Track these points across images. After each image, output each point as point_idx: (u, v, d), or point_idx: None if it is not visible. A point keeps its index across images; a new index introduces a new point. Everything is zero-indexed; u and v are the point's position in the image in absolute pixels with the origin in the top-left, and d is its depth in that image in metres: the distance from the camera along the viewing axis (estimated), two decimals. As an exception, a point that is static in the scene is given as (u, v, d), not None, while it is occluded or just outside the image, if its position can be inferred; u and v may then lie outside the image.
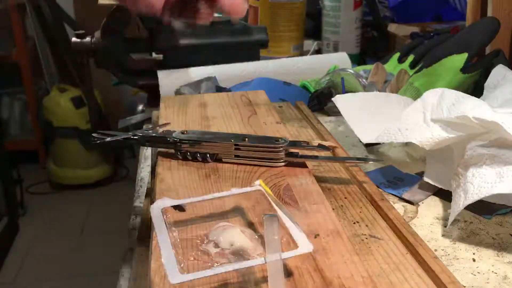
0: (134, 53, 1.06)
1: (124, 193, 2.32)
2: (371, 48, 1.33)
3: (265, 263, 0.36)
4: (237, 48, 1.06)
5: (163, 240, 0.39)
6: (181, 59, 1.01)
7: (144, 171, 0.79)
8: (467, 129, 0.57)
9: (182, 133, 0.58)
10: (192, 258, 0.40)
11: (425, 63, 0.92)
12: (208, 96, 0.82)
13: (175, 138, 0.58)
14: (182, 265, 0.39)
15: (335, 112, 0.90)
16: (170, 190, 0.52)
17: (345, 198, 0.56)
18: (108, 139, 0.59)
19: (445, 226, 0.55)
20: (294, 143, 0.57)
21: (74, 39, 0.99)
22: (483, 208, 0.57)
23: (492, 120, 0.53)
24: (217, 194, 0.47)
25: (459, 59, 0.88)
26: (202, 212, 0.46)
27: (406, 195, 0.60)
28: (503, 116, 0.54)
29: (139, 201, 0.70)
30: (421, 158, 0.71)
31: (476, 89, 0.93)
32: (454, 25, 1.32)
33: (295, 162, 0.56)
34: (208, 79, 0.96)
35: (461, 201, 0.51)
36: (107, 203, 2.63)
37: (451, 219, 0.52)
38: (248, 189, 0.47)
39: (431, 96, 0.65)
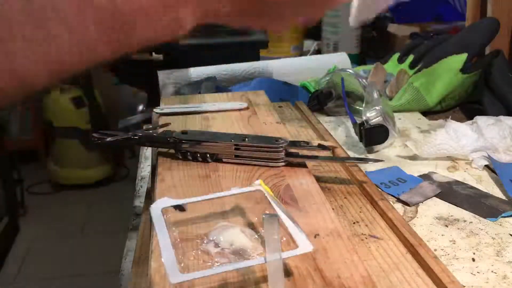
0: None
1: (124, 193, 2.32)
2: (371, 48, 1.33)
3: (265, 262, 0.36)
4: (237, 48, 1.06)
5: (163, 240, 0.39)
6: (181, 59, 1.01)
7: (144, 171, 0.79)
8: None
9: (182, 133, 0.58)
10: (192, 258, 0.40)
11: (424, 63, 0.92)
12: (208, 96, 0.82)
13: (175, 138, 0.58)
14: (182, 265, 0.39)
15: (335, 112, 0.90)
16: (170, 190, 0.52)
17: (345, 198, 0.56)
18: (108, 139, 0.59)
19: (446, 226, 0.55)
20: (294, 143, 0.57)
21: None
22: (488, 210, 0.57)
23: None
24: (217, 194, 0.47)
25: (459, 59, 0.89)
26: (202, 212, 0.46)
27: (403, 197, 0.60)
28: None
29: (139, 201, 0.70)
30: (421, 159, 0.71)
31: (475, 89, 0.93)
32: (454, 25, 1.32)
33: (295, 162, 0.56)
34: (208, 79, 0.96)
35: None
36: (107, 203, 2.63)
37: None
38: (248, 189, 0.47)
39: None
